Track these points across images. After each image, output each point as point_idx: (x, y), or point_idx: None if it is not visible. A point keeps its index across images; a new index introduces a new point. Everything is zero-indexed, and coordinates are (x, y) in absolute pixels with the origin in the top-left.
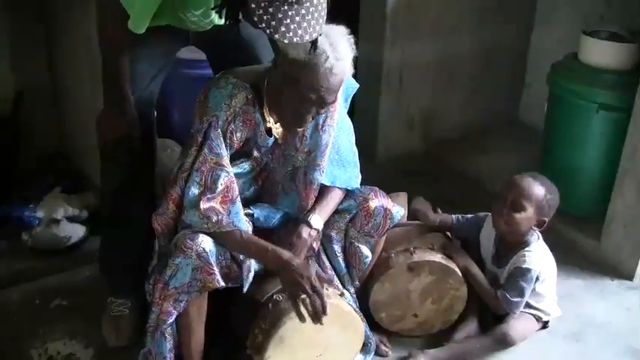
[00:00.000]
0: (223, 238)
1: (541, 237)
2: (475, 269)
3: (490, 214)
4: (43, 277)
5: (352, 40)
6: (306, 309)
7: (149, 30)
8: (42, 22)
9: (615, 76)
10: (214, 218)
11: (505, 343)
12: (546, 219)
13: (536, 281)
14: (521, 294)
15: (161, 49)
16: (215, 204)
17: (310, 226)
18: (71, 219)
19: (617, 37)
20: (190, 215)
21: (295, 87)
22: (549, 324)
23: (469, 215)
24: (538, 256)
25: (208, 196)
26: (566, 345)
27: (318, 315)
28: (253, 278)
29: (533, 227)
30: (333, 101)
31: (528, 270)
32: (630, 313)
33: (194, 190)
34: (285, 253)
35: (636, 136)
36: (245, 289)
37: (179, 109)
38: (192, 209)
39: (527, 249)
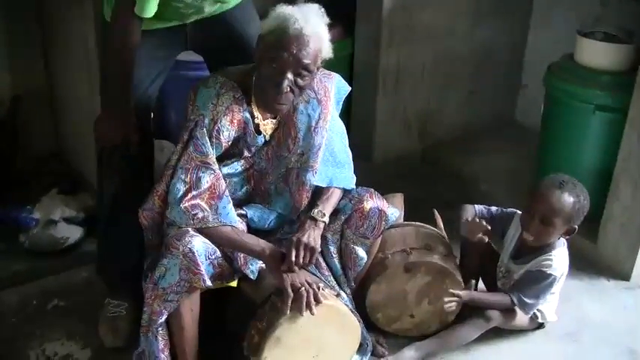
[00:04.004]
0: (213, 234)
1: (566, 243)
2: (477, 295)
3: (518, 212)
4: (40, 279)
5: (325, 17)
6: (301, 300)
7: (147, 34)
8: (39, 24)
9: (611, 77)
10: (200, 215)
11: (484, 323)
12: (576, 227)
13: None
14: (537, 297)
15: (159, 53)
16: (200, 201)
17: (315, 220)
18: (68, 220)
19: (613, 38)
20: (174, 212)
21: (270, 60)
22: (546, 325)
23: (493, 209)
24: (561, 261)
25: (194, 193)
26: (563, 345)
27: (309, 305)
28: (248, 280)
29: (561, 236)
30: (310, 66)
31: (550, 275)
32: (627, 314)
33: (179, 187)
34: (279, 249)
35: (632, 136)
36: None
37: (176, 110)
38: (176, 206)
39: (552, 253)
